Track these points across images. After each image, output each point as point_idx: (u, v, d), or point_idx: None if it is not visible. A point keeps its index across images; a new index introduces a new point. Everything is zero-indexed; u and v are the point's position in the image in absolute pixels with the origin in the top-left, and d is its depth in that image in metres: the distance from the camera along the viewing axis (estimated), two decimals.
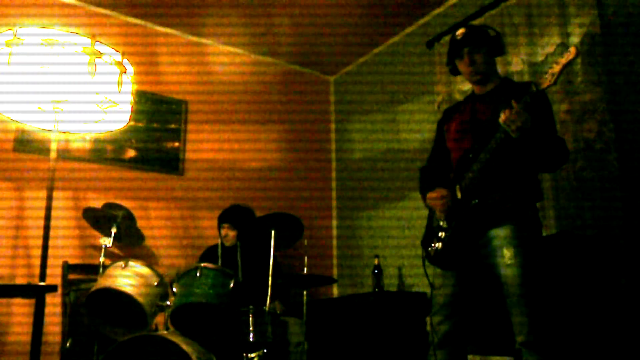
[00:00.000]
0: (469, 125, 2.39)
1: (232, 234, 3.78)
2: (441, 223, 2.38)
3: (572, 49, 2.03)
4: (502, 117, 2.10)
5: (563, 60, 2.04)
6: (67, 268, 3.55)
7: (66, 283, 3.48)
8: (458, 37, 2.40)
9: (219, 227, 3.84)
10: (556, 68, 2.04)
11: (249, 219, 3.72)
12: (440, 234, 2.38)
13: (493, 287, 2.24)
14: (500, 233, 2.21)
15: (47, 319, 2.01)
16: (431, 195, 2.40)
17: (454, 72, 2.53)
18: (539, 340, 2.09)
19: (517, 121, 2.06)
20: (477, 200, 2.24)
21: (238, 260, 3.67)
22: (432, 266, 2.43)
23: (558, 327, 2.40)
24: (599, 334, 2.55)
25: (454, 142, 2.46)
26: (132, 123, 3.41)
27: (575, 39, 3.10)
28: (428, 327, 2.38)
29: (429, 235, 2.46)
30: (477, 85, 2.46)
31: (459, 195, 2.32)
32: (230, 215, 3.81)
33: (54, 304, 3.36)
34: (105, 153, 4.07)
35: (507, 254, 2.16)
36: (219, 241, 3.92)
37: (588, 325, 2.58)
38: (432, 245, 2.40)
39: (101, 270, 3.09)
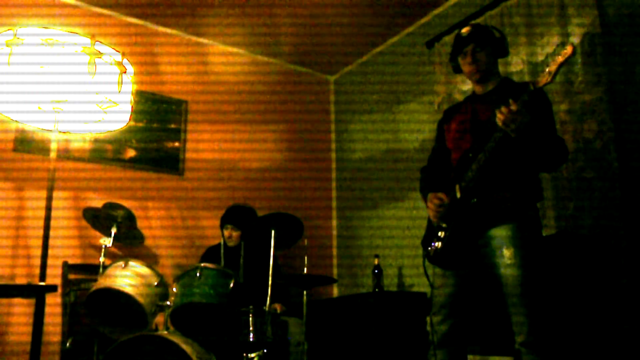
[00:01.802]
0: (469, 125, 2.39)
1: (235, 234, 3.78)
2: (441, 223, 2.38)
3: (569, 47, 2.04)
4: (500, 116, 2.10)
5: (560, 58, 2.04)
6: (67, 268, 3.55)
7: (66, 283, 3.48)
8: (463, 35, 2.41)
9: (222, 228, 3.84)
10: (553, 66, 2.05)
11: (252, 218, 3.72)
12: (440, 233, 2.38)
13: (493, 287, 2.24)
14: (500, 233, 2.21)
15: (47, 319, 2.01)
16: (430, 198, 2.41)
17: (456, 70, 2.53)
18: (539, 341, 2.09)
19: (516, 120, 2.06)
20: (476, 200, 2.25)
21: (240, 261, 3.67)
22: (433, 266, 2.43)
23: (558, 327, 2.41)
24: (600, 334, 2.55)
25: (454, 142, 2.47)
26: (132, 123, 3.42)
27: (575, 39, 3.10)
28: (428, 327, 2.38)
29: (429, 235, 2.46)
30: (478, 85, 2.46)
31: (458, 194, 2.32)
32: (234, 216, 3.81)
33: (54, 304, 3.36)
34: (105, 153, 4.07)
35: (507, 253, 2.17)
36: (220, 241, 3.93)
37: (588, 325, 2.58)
38: (432, 244, 2.41)
39: (101, 270, 3.09)
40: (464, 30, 2.43)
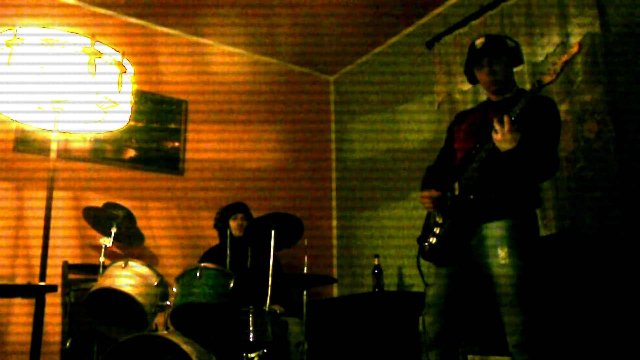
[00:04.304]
0: (478, 128, 2.40)
1: (245, 223, 3.82)
2: (437, 219, 2.38)
3: (575, 44, 2.06)
4: (494, 135, 2.15)
5: (565, 57, 2.06)
6: (67, 268, 3.55)
7: (66, 283, 3.48)
8: (478, 47, 2.40)
9: (228, 219, 3.85)
10: (558, 63, 2.06)
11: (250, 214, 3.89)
12: (435, 229, 2.38)
13: (490, 286, 2.24)
14: (494, 233, 2.21)
15: (47, 319, 2.00)
16: (423, 194, 2.43)
17: (472, 80, 2.54)
18: (532, 342, 2.08)
19: (506, 141, 2.10)
20: (472, 196, 2.25)
21: (248, 251, 3.67)
22: (429, 265, 2.42)
23: (554, 329, 2.41)
24: (599, 334, 2.55)
25: (460, 143, 2.47)
26: (132, 123, 3.42)
27: (575, 39, 3.10)
28: (420, 327, 2.36)
29: (425, 231, 2.47)
30: (494, 95, 2.46)
31: (457, 191, 2.32)
32: (241, 206, 3.91)
33: (54, 304, 3.36)
34: (105, 153, 4.07)
35: (501, 254, 2.16)
36: (217, 242, 3.93)
37: (588, 325, 2.58)
38: (427, 240, 2.41)
39: (101, 270, 3.09)
40: (478, 41, 2.43)
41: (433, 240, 2.37)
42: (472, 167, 2.27)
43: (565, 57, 2.06)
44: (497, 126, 2.13)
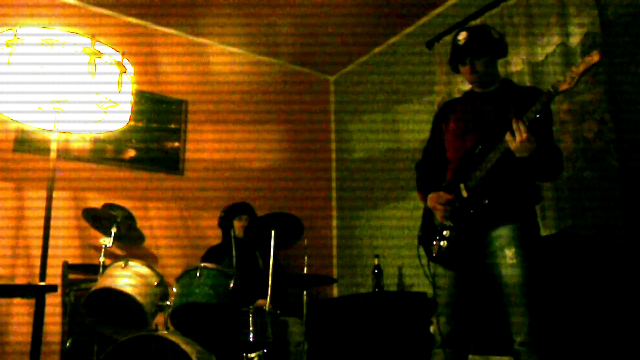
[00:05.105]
0: (473, 125, 2.38)
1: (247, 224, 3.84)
2: (446, 221, 2.36)
3: (595, 53, 1.99)
4: (511, 142, 2.10)
5: (584, 65, 2.01)
6: (67, 268, 3.55)
7: (66, 283, 3.48)
8: (460, 43, 2.38)
9: (232, 220, 3.86)
10: (576, 72, 2.02)
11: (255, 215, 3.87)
12: (445, 232, 2.35)
13: (492, 287, 2.24)
14: (501, 233, 2.21)
15: (47, 319, 2.01)
16: (432, 198, 2.39)
17: (456, 70, 2.53)
18: (538, 341, 2.08)
19: (525, 148, 2.08)
20: (487, 201, 2.23)
21: (256, 252, 3.67)
22: (434, 265, 2.41)
23: (558, 327, 2.41)
24: (599, 334, 2.55)
25: (454, 140, 2.44)
26: (132, 123, 3.42)
27: (575, 39, 3.10)
28: (433, 327, 2.37)
29: (429, 232, 2.44)
30: (478, 87, 2.46)
31: (464, 194, 2.30)
32: (246, 207, 3.92)
33: (54, 304, 3.36)
34: (105, 153, 4.07)
35: (509, 253, 2.16)
36: (218, 242, 3.93)
37: (588, 325, 2.58)
38: (435, 243, 2.38)
39: (101, 270, 3.09)
40: (461, 37, 2.39)
41: (443, 243, 2.34)
42: (482, 168, 2.23)
43: (584, 65, 2.01)
44: (516, 131, 2.09)
